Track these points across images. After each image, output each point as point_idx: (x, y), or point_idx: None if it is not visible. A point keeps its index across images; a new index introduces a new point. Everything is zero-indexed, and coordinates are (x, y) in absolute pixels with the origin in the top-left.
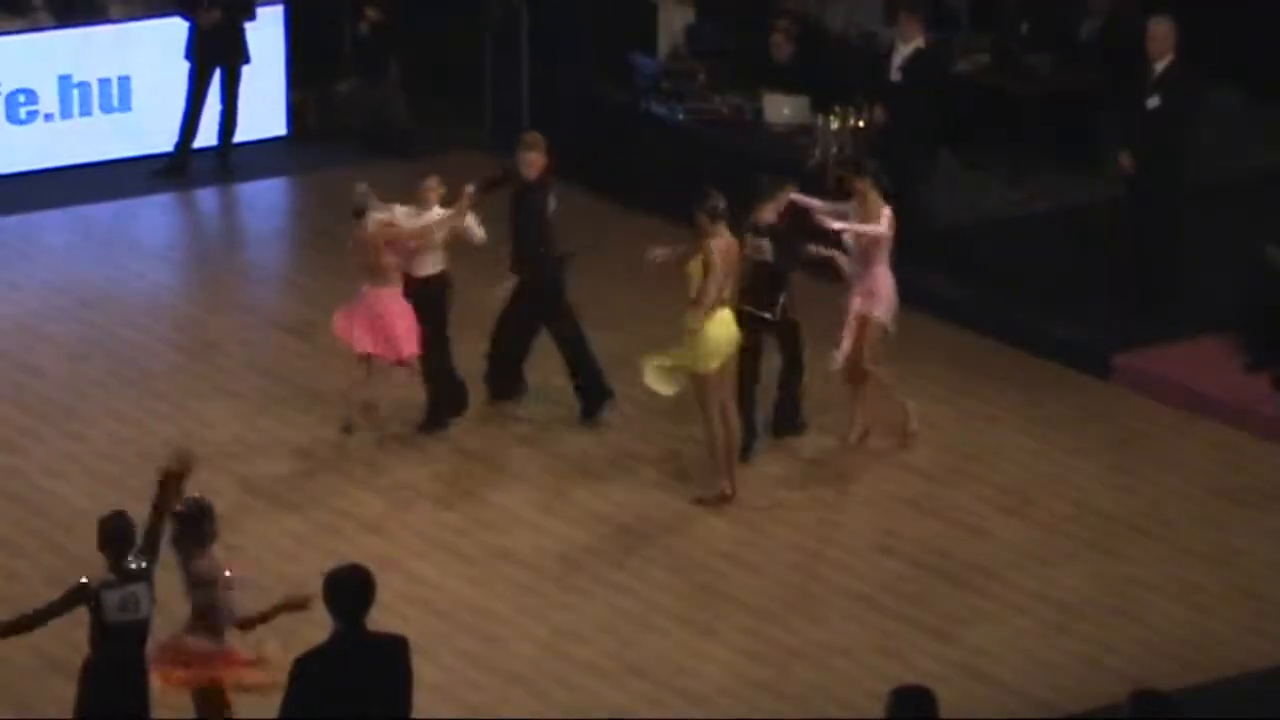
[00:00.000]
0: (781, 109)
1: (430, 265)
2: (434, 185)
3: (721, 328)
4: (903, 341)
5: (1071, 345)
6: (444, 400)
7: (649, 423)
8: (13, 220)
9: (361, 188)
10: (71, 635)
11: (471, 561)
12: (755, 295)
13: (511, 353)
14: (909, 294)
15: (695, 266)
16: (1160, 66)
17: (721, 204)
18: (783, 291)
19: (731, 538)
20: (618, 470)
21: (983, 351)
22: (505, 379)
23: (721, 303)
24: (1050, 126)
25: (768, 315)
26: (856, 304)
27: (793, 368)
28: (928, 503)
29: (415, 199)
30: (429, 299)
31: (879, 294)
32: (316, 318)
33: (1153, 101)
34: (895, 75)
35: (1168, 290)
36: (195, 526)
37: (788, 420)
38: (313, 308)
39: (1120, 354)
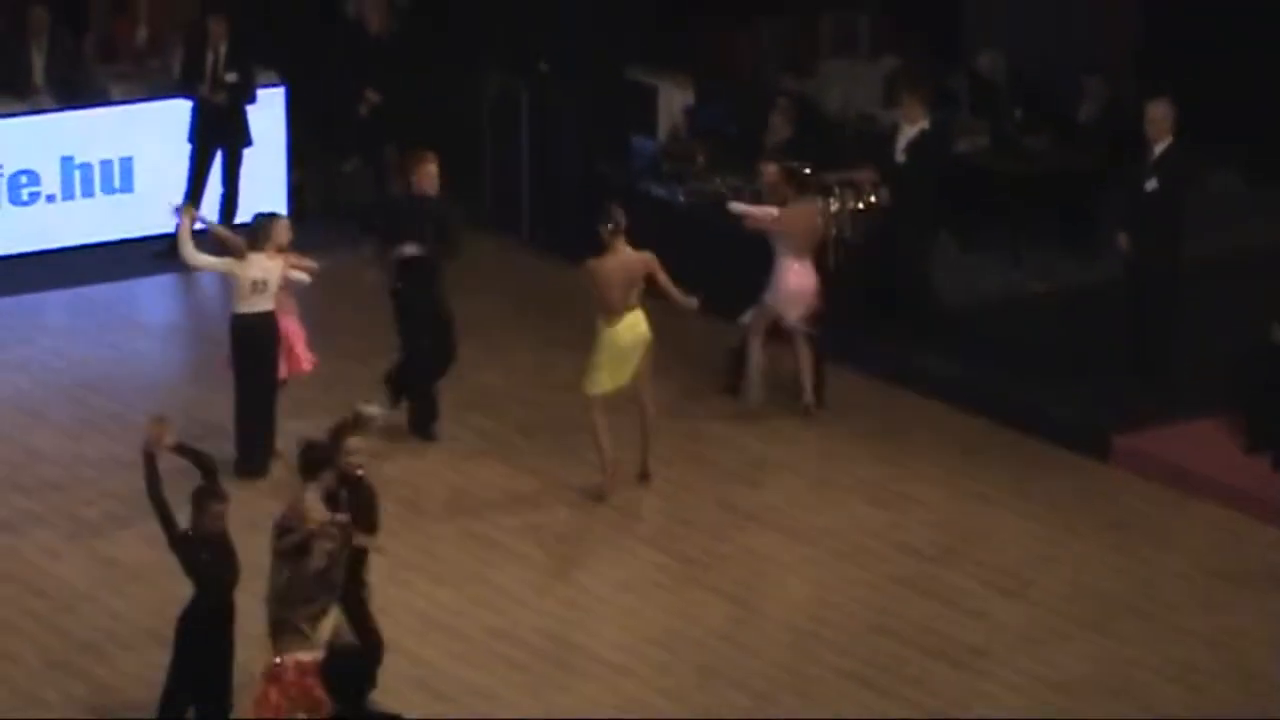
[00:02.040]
0: None
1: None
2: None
3: (625, 332)
4: (900, 421)
5: (1069, 426)
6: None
7: (641, 500)
8: (14, 301)
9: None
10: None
11: (470, 641)
12: None
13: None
14: (907, 374)
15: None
16: (1159, 149)
17: (621, 219)
18: None
19: (728, 617)
20: (610, 548)
21: (980, 432)
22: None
23: (627, 308)
24: (1048, 207)
25: None
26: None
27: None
28: (925, 583)
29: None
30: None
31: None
32: (315, 398)
33: (1151, 184)
34: (900, 156)
35: (1166, 371)
36: None
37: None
38: (312, 389)
39: (1118, 434)
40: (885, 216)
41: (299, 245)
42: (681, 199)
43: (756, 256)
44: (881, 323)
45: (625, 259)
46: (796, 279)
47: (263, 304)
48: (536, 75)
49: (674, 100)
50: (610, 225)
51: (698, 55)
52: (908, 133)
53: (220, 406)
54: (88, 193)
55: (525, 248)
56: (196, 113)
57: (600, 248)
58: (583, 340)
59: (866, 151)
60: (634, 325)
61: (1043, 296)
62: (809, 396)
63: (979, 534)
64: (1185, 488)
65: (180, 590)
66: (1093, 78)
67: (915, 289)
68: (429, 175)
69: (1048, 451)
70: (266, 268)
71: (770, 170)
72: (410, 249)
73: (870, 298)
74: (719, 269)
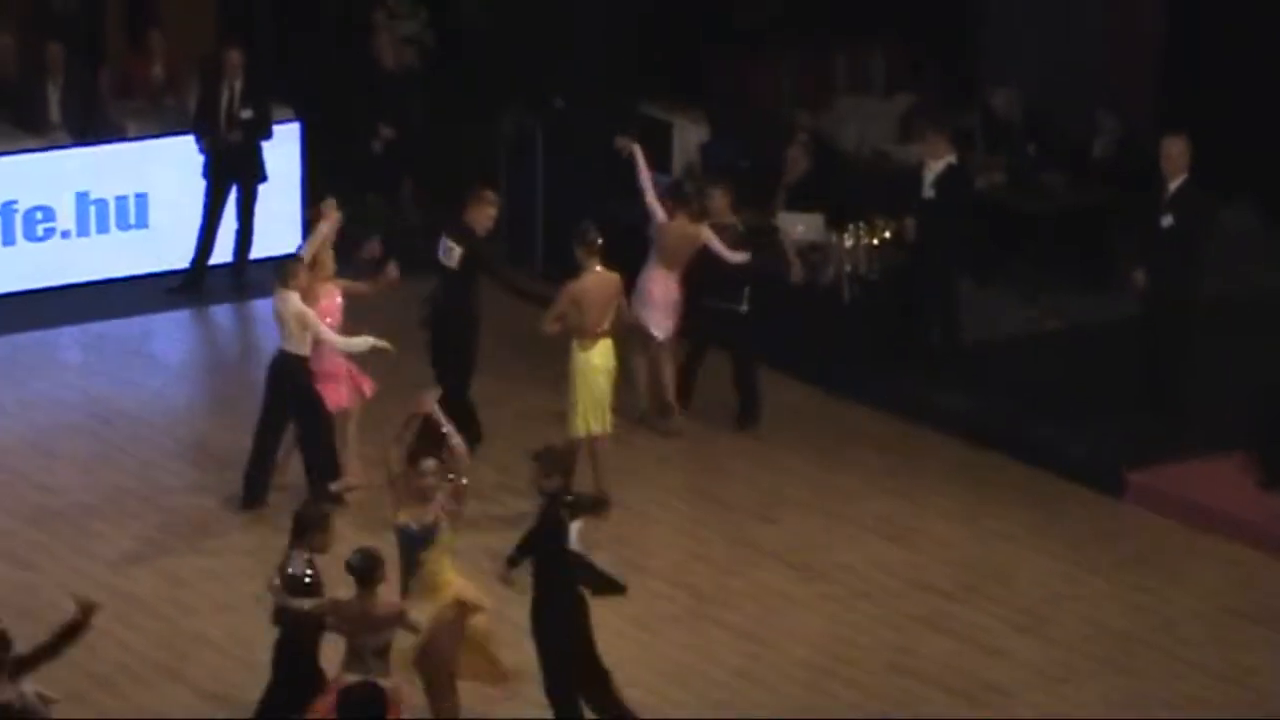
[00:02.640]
0: (796, 226)
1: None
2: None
3: (598, 358)
4: (917, 458)
5: (1086, 462)
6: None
7: (654, 535)
8: (29, 336)
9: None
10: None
11: (487, 698)
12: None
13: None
14: (923, 410)
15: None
16: (1174, 185)
17: (597, 236)
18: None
19: (744, 654)
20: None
21: (997, 469)
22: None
23: (601, 334)
24: (1064, 244)
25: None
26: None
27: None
28: (942, 621)
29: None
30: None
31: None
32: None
33: (1166, 220)
34: (928, 192)
35: (1182, 407)
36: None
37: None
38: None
39: (1134, 471)
40: (905, 252)
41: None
42: None
43: (770, 291)
44: (897, 359)
45: (602, 279)
46: (660, 290)
47: (291, 345)
48: (552, 111)
49: (689, 136)
50: (586, 245)
51: (712, 91)
52: (934, 169)
53: (233, 441)
54: (103, 229)
55: (539, 282)
56: (210, 149)
57: (575, 269)
58: None
59: (882, 187)
60: (605, 352)
61: (1058, 333)
62: (665, 405)
63: (996, 571)
64: (1201, 524)
65: (191, 625)
66: (1107, 113)
67: (945, 325)
68: (487, 217)
69: (1064, 488)
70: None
71: (716, 194)
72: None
73: (887, 334)
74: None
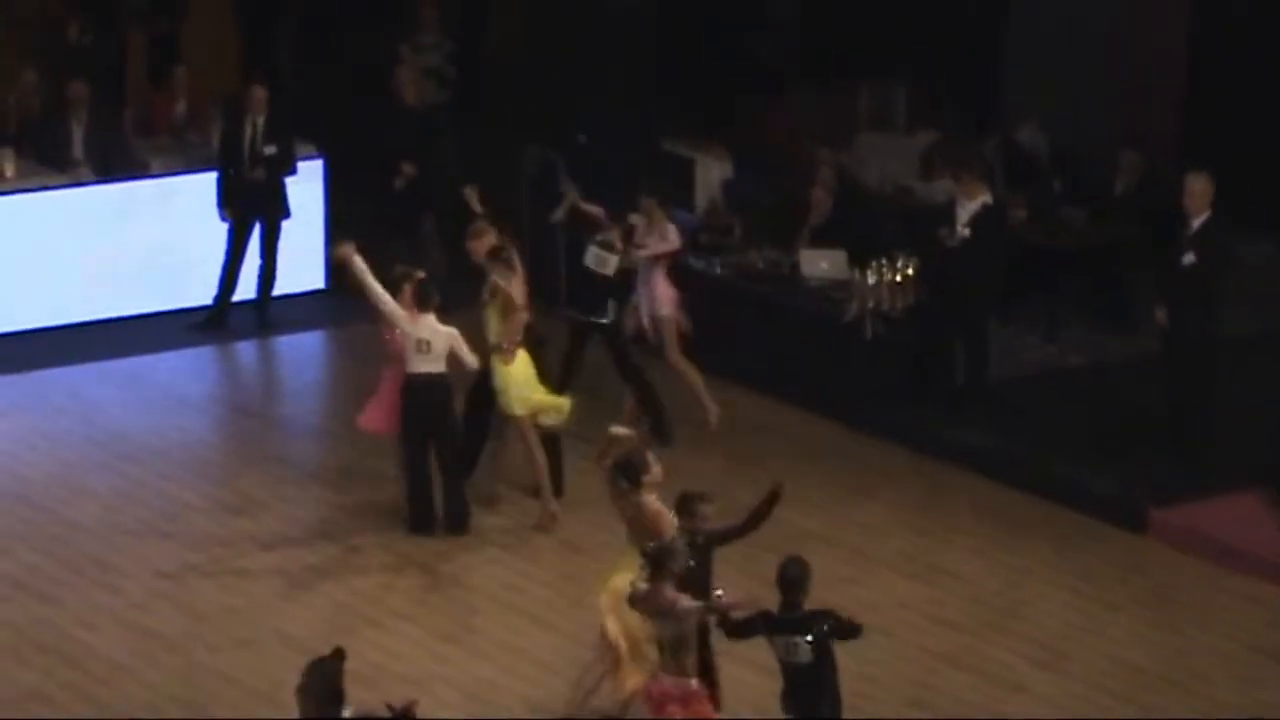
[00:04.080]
0: (819, 263)
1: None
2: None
3: (525, 367)
4: (937, 494)
5: (1107, 499)
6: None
7: None
8: (53, 373)
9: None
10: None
11: (509, 714)
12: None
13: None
14: (945, 447)
15: (493, 310)
16: (1197, 223)
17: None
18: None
19: (765, 691)
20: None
21: (1018, 505)
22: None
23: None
24: (1085, 281)
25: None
26: (646, 309)
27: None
28: (963, 656)
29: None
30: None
31: (660, 295)
32: (354, 471)
33: (1188, 258)
34: (962, 231)
35: (1204, 444)
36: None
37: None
38: (350, 461)
39: (1156, 508)
40: (928, 289)
41: (339, 319)
42: (719, 270)
43: (794, 329)
44: (919, 395)
45: (522, 278)
46: (667, 285)
47: (427, 365)
48: (575, 147)
49: (712, 172)
50: (506, 251)
51: (735, 128)
52: (969, 208)
53: (256, 478)
54: (127, 265)
55: (559, 320)
56: (233, 185)
57: (504, 270)
58: (618, 411)
59: (904, 223)
60: (525, 358)
61: (1080, 369)
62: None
63: (1016, 607)
64: (1223, 562)
65: (214, 662)
66: (1129, 151)
67: (971, 363)
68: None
69: (1085, 525)
70: (434, 330)
71: (647, 202)
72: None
73: (909, 370)
74: (756, 341)
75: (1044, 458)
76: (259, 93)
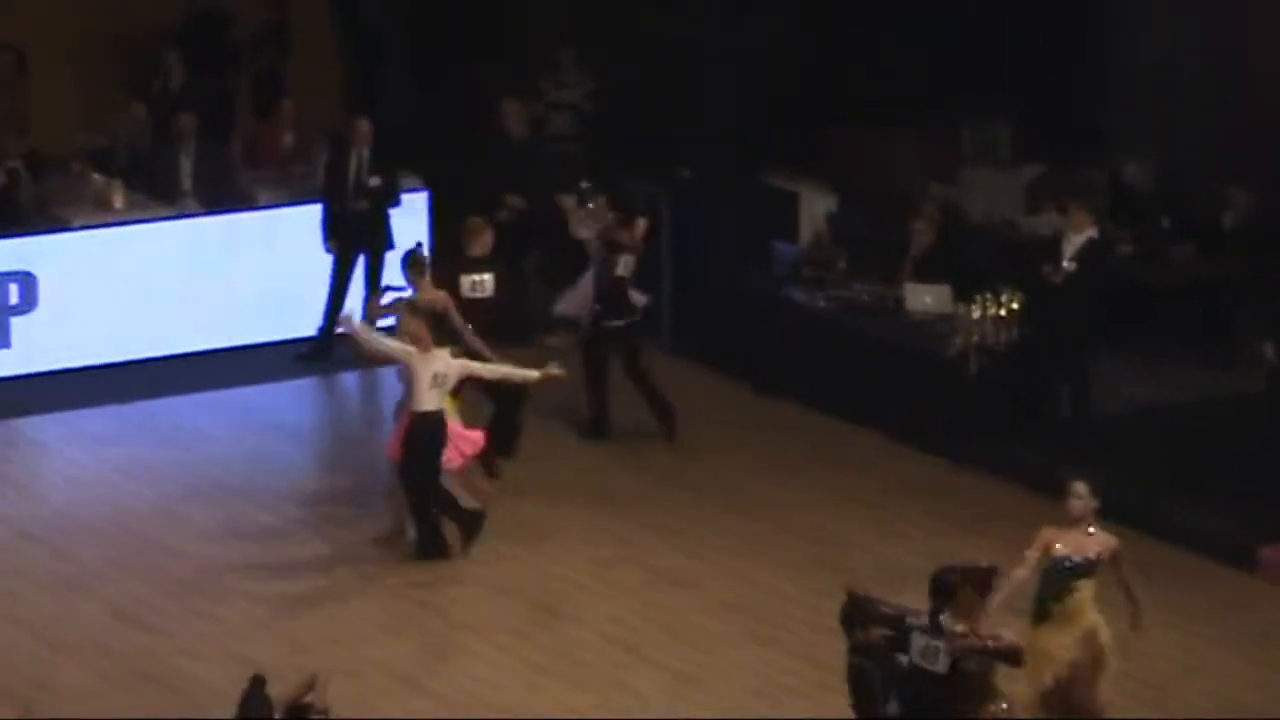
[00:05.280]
0: (923, 297)
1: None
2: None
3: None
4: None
5: (1215, 537)
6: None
7: (776, 607)
8: (159, 403)
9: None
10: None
11: None
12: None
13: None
14: (1050, 483)
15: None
16: None
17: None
18: None
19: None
20: (745, 654)
21: (1124, 542)
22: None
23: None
24: (1192, 317)
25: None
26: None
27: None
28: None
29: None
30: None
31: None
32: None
33: None
34: (1067, 265)
35: None
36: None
37: None
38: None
39: (1264, 546)
40: (1033, 323)
41: None
42: (822, 304)
43: (898, 363)
44: (1024, 431)
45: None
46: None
47: (437, 402)
48: (678, 181)
49: (816, 206)
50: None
51: (839, 161)
52: (1075, 241)
53: (358, 507)
54: (233, 296)
55: (664, 354)
56: (338, 217)
57: (441, 279)
58: (721, 444)
59: (1008, 258)
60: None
61: (1186, 406)
62: None
63: (1121, 645)
64: None
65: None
66: (1237, 188)
67: (1074, 398)
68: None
69: (1192, 562)
70: (448, 363)
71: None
72: None
73: (1014, 405)
74: (859, 375)
75: (1151, 494)
76: (364, 125)
